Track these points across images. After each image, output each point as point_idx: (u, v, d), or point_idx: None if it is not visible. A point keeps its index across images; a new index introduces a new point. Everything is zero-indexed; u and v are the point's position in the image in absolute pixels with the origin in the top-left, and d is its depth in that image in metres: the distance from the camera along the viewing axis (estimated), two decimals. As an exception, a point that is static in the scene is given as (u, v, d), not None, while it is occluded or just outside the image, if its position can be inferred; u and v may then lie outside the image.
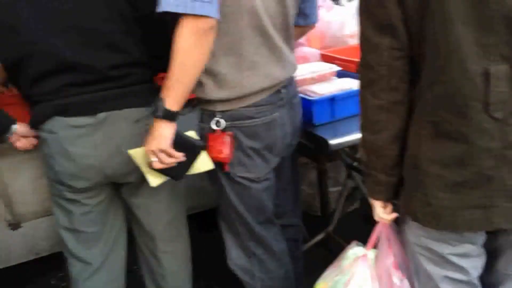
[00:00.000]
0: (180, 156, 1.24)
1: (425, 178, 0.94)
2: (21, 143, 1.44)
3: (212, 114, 1.31)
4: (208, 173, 1.37)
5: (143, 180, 1.43)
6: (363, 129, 1.04)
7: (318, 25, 2.22)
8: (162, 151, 1.20)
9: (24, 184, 1.82)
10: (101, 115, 1.32)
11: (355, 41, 2.11)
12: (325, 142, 1.49)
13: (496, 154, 0.86)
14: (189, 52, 1.10)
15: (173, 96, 1.15)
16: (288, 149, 1.49)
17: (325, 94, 1.60)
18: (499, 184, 0.88)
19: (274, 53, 1.31)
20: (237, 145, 1.33)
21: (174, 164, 1.24)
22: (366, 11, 0.93)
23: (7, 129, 1.40)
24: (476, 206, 0.90)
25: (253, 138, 1.34)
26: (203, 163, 1.32)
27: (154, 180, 1.32)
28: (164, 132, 1.19)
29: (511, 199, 0.89)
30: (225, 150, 1.31)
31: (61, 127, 1.32)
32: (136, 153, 1.31)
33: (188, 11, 1.05)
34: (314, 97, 1.59)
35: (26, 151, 1.73)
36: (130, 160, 1.37)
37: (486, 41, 0.81)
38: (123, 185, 1.49)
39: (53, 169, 1.37)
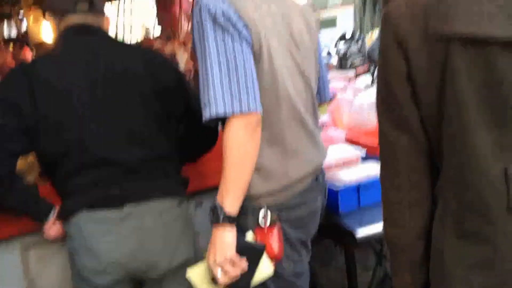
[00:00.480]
0: (244, 264, 1.13)
1: (452, 281, 0.87)
2: (54, 231, 1.45)
3: (258, 209, 1.21)
4: None
5: (164, 277, 1.41)
6: (384, 222, 0.99)
7: (344, 107, 2.26)
8: (228, 260, 1.11)
9: (52, 277, 1.81)
10: (127, 209, 1.34)
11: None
12: (351, 234, 1.44)
13: None
14: (243, 149, 1.10)
15: (232, 198, 1.11)
16: None
17: (350, 182, 1.57)
18: None
19: (310, 138, 1.31)
20: (285, 238, 1.24)
21: (238, 276, 1.13)
22: (384, 108, 0.93)
23: (48, 214, 1.41)
24: None
25: (299, 227, 1.28)
26: (264, 268, 1.18)
27: None
28: (228, 238, 1.12)
29: None
30: (276, 245, 1.20)
31: (87, 222, 1.33)
32: (194, 274, 1.20)
33: (237, 111, 1.08)
34: (339, 185, 1.56)
35: (54, 243, 1.75)
36: (152, 256, 1.35)
37: (505, 141, 0.80)
38: (144, 282, 1.46)
39: (77, 264, 1.37)
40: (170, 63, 1.53)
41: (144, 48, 1.54)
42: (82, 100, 1.33)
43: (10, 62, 2.03)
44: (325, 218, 1.59)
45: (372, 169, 1.64)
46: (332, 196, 1.55)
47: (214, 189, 1.94)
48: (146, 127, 1.38)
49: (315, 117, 1.37)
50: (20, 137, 1.31)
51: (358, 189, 1.55)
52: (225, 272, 1.11)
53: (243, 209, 1.19)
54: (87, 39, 1.40)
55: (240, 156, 1.10)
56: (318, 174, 1.35)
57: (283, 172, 1.23)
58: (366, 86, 2.55)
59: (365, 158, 1.77)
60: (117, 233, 1.33)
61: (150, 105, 1.39)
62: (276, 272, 1.20)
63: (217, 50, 1.09)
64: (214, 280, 1.15)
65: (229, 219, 1.11)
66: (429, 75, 0.83)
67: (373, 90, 2.34)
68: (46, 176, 1.45)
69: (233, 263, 1.12)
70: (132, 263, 1.35)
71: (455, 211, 0.86)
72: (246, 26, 1.12)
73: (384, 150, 0.94)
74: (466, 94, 0.79)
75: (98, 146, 1.33)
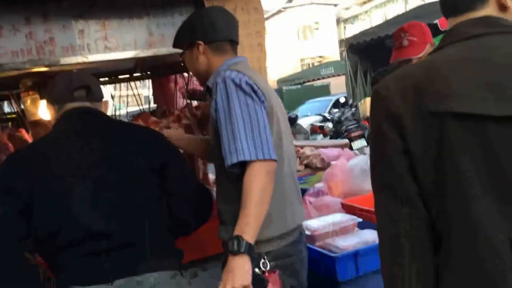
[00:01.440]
0: None
1: None
2: None
3: (258, 256, 1.33)
4: None
5: None
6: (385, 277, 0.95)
7: (339, 174, 2.31)
8: (245, 287, 1.22)
9: None
10: (118, 282, 1.32)
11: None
12: (350, 302, 1.43)
13: None
14: (264, 190, 1.27)
15: (252, 231, 1.24)
16: None
17: (348, 248, 1.58)
18: None
19: (298, 195, 1.50)
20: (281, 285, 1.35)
21: None
22: (381, 184, 0.93)
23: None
24: None
25: (293, 275, 1.39)
26: None
27: None
28: (247, 267, 1.23)
29: None
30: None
31: None
32: None
33: (260, 157, 1.27)
34: (337, 253, 1.57)
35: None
36: None
37: (506, 210, 0.82)
38: None
39: None
40: (167, 141, 1.59)
41: (142, 126, 1.61)
42: (76, 178, 1.37)
43: (5, 140, 2.11)
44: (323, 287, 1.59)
45: (370, 236, 1.66)
46: (329, 264, 1.56)
47: (208, 260, 1.97)
48: (141, 201, 1.41)
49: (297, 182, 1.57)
50: (20, 219, 1.33)
51: (356, 255, 1.55)
52: None
53: None
54: (84, 120, 1.47)
55: (262, 196, 1.27)
56: (302, 229, 1.52)
57: (282, 220, 1.39)
58: (361, 150, 2.62)
59: (362, 226, 1.78)
60: None
61: (146, 180, 1.43)
62: None
63: (241, 109, 1.31)
64: None
65: (250, 249, 1.23)
66: (426, 149, 0.86)
67: (367, 155, 2.41)
68: (38, 251, 1.44)
69: None
70: None
71: (462, 284, 0.86)
72: (263, 94, 1.37)
73: (384, 225, 0.93)
74: (465, 166, 0.83)
75: (90, 220, 1.34)
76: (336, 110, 11.49)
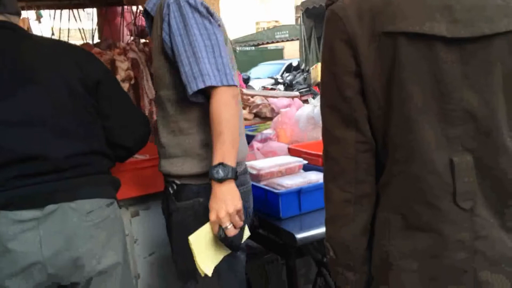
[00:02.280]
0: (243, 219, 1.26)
1: (399, 274, 0.89)
2: None
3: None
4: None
5: (89, 282, 1.33)
6: (328, 224, 0.99)
7: (287, 122, 2.31)
8: (238, 212, 1.23)
9: None
10: (50, 207, 1.25)
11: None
12: (292, 236, 1.44)
13: (467, 246, 0.85)
14: (234, 115, 1.26)
15: (232, 157, 1.24)
16: None
17: (292, 186, 1.59)
18: (471, 277, 0.85)
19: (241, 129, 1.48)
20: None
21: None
22: (330, 105, 0.93)
23: None
24: None
25: (248, 201, 1.43)
26: (246, 230, 1.30)
27: (208, 268, 1.25)
28: (236, 191, 1.24)
29: None
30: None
31: (3, 223, 1.23)
32: (197, 238, 1.24)
33: (225, 83, 1.25)
34: (280, 189, 1.57)
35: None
36: (78, 256, 1.29)
37: (450, 133, 0.84)
38: None
39: None
40: (96, 56, 1.49)
41: (70, 43, 1.49)
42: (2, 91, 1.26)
43: None
44: (266, 224, 1.60)
45: (314, 177, 1.67)
46: (273, 201, 1.56)
47: (149, 199, 1.93)
48: (74, 120, 1.32)
49: None
50: None
51: (299, 194, 1.57)
52: (235, 223, 1.22)
53: (196, 188, 1.35)
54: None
55: (234, 121, 1.25)
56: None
57: (240, 147, 1.35)
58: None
59: (307, 169, 1.80)
60: (37, 233, 1.24)
61: (78, 100, 1.34)
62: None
63: (200, 32, 1.25)
64: (220, 236, 1.22)
65: (236, 173, 1.23)
66: (377, 71, 0.86)
67: (314, 104, 2.42)
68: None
69: (240, 216, 1.23)
70: (55, 265, 1.26)
71: (401, 204, 0.89)
72: (219, 18, 1.34)
73: (329, 149, 0.95)
74: (412, 87, 0.84)
75: (18, 141, 1.25)
76: (288, 74, 11.54)
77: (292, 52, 14.33)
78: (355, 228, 0.95)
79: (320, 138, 2.23)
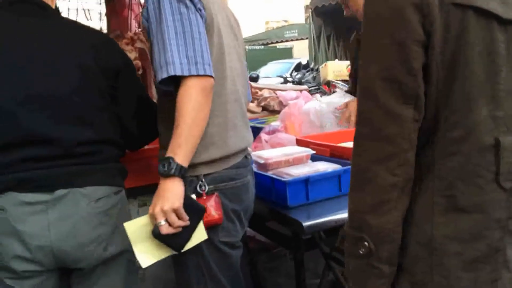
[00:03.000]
0: (187, 220, 1.18)
1: (443, 258, 0.84)
2: None
3: (196, 179, 1.28)
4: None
5: (95, 268, 1.33)
6: (368, 213, 0.86)
7: (295, 114, 2.28)
8: (175, 210, 1.16)
9: None
10: (60, 191, 1.25)
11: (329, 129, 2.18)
12: (299, 224, 1.42)
13: (503, 225, 0.84)
14: (198, 109, 1.16)
15: (184, 153, 1.16)
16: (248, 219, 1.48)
17: (299, 175, 1.57)
18: (503, 256, 0.84)
19: (243, 118, 1.42)
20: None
21: (180, 229, 1.18)
22: (387, 79, 0.83)
23: None
24: (486, 283, 0.84)
25: (235, 200, 1.34)
26: (199, 232, 1.23)
27: (146, 260, 1.21)
28: (178, 190, 1.17)
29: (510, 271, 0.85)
30: (218, 211, 1.27)
31: (12, 203, 1.22)
32: (132, 225, 1.21)
33: (193, 73, 1.15)
34: (288, 178, 1.55)
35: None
36: (85, 242, 1.28)
37: (497, 113, 0.82)
38: (73, 274, 1.36)
39: None
40: (116, 44, 1.48)
41: (94, 29, 1.48)
42: (15, 70, 1.25)
43: None
44: (273, 212, 1.58)
45: (322, 166, 1.65)
46: (281, 189, 1.54)
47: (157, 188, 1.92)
48: (89, 106, 1.31)
49: (246, 103, 1.49)
50: None
51: (306, 182, 1.54)
52: (170, 221, 1.15)
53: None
54: (24, 11, 1.31)
55: (196, 116, 1.16)
56: (247, 153, 1.45)
57: (223, 142, 1.30)
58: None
59: (315, 159, 1.78)
60: (46, 216, 1.24)
61: (96, 86, 1.33)
62: (210, 239, 1.26)
63: (173, 18, 1.17)
64: (153, 232, 1.17)
65: (181, 171, 1.15)
66: (442, 44, 0.81)
67: (324, 99, 2.39)
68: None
69: (178, 215, 1.16)
70: (62, 249, 1.26)
71: (446, 187, 0.85)
72: (200, 2, 1.23)
73: (381, 126, 0.85)
74: (475, 65, 0.80)
75: (33, 122, 1.24)
76: (297, 72, 11.51)
77: (301, 51, 14.29)
78: (398, 215, 0.86)
79: (330, 129, 2.20)
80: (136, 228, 1.20)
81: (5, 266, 1.25)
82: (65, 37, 1.33)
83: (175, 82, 1.19)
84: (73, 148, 1.27)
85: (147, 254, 1.20)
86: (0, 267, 1.26)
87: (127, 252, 1.40)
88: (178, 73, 1.15)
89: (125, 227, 1.20)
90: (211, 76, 1.19)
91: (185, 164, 1.17)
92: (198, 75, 1.16)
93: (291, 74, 11.65)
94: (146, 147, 1.82)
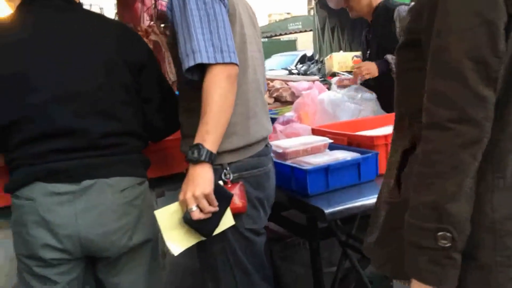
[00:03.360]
0: (216, 206, 1.20)
1: (505, 238, 0.84)
2: None
3: (220, 167, 1.30)
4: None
5: (120, 257, 1.36)
6: (448, 202, 0.81)
7: (310, 103, 2.29)
8: (206, 196, 1.17)
9: None
10: (86, 182, 1.27)
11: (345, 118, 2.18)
12: (321, 211, 1.43)
13: None
14: (225, 96, 1.18)
15: (213, 139, 1.18)
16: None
17: (319, 164, 1.58)
18: None
19: (264, 107, 1.44)
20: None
21: (210, 215, 1.19)
22: (477, 60, 0.79)
23: None
24: None
25: (258, 188, 1.36)
26: (227, 218, 1.25)
27: (177, 247, 1.23)
28: (208, 175, 1.19)
29: None
30: (242, 200, 1.29)
31: (41, 194, 1.25)
32: (163, 213, 1.23)
33: (219, 60, 1.17)
34: (308, 167, 1.56)
35: (2, 228, 1.63)
36: (111, 232, 1.30)
37: None
38: (99, 262, 1.39)
39: (25, 240, 1.28)
40: (141, 38, 1.50)
41: (120, 22, 1.50)
42: (44, 65, 1.27)
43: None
44: (293, 200, 1.59)
45: (340, 155, 1.66)
46: (301, 177, 1.55)
47: (175, 179, 1.93)
48: (113, 98, 1.33)
49: (264, 92, 1.50)
50: None
51: (327, 171, 1.55)
52: (201, 207, 1.17)
53: None
54: (52, 7, 1.34)
55: (223, 103, 1.18)
56: (268, 142, 1.47)
57: (245, 131, 1.33)
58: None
59: (332, 149, 1.79)
60: (74, 206, 1.26)
61: (122, 80, 1.35)
62: (235, 226, 1.28)
63: (198, 7, 1.19)
64: (185, 218, 1.19)
65: (210, 157, 1.17)
66: None
67: (336, 90, 2.39)
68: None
69: (209, 200, 1.17)
70: (88, 239, 1.28)
71: (505, 166, 0.84)
72: None
73: (471, 110, 0.79)
74: None
75: (61, 115, 1.27)
76: (302, 65, 11.48)
77: (305, 43, 14.23)
78: (472, 201, 0.83)
79: (344, 119, 2.21)
80: (166, 216, 1.22)
81: (34, 255, 1.28)
82: (91, 31, 1.35)
83: (200, 71, 1.20)
84: (98, 140, 1.30)
85: (177, 242, 1.22)
86: (29, 256, 1.29)
87: (151, 241, 1.43)
88: (205, 61, 1.16)
89: (155, 215, 1.22)
90: (236, 64, 1.20)
91: (214, 150, 1.18)
92: (224, 63, 1.17)
93: (296, 66, 11.62)
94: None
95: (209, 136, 1.17)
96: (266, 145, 1.44)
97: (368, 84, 2.53)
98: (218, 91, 1.17)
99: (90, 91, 1.29)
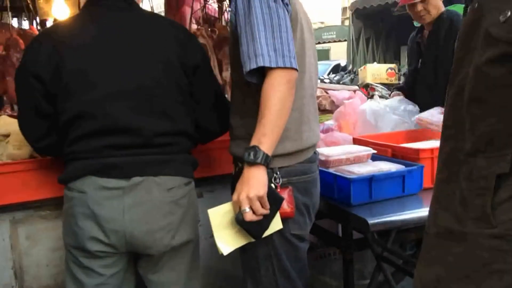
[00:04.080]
0: (268, 208, 1.20)
1: None
2: None
3: (271, 171, 1.29)
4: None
5: (162, 255, 1.37)
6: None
7: (351, 113, 2.28)
8: (259, 198, 1.18)
9: (40, 255, 1.74)
10: (136, 179, 1.30)
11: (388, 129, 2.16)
12: (364, 222, 1.42)
13: None
14: (283, 100, 1.18)
15: (270, 142, 1.18)
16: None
17: (363, 174, 1.57)
18: None
19: (316, 114, 1.45)
20: None
21: (261, 217, 1.20)
22: None
23: None
24: None
25: (306, 194, 1.36)
26: (276, 221, 1.26)
27: (226, 247, 1.24)
28: (263, 178, 1.19)
29: None
30: (290, 205, 1.29)
31: (92, 187, 1.29)
32: (216, 212, 1.24)
33: (280, 65, 1.18)
34: (352, 176, 1.55)
35: (45, 219, 1.68)
36: (156, 230, 1.33)
37: None
38: (141, 258, 1.42)
39: (73, 231, 1.32)
40: (196, 38, 1.53)
41: (176, 23, 1.53)
42: (104, 63, 1.32)
43: (15, 36, 2.01)
44: (335, 209, 1.58)
45: (384, 166, 1.64)
46: (345, 187, 1.54)
47: (214, 181, 1.95)
48: (168, 98, 1.37)
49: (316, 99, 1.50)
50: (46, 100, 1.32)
51: (371, 181, 1.54)
52: (254, 209, 1.17)
53: None
54: (114, 8, 1.38)
55: (281, 107, 1.19)
56: (316, 150, 1.48)
57: (298, 136, 1.33)
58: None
59: (374, 159, 1.77)
60: (122, 201, 1.29)
61: (177, 81, 1.38)
62: (281, 231, 1.28)
63: (262, 11, 1.20)
64: (237, 219, 1.19)
65: (266, 160, 1.17)
66: None
67: (378, 101, 2.37)
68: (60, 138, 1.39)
69: (262, 203, 1.18)
70: (133, 235, 1.31)
71: None
72: None
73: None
74: None
75: (117, 112, 1.30)
76: (334, 74, 11.43)
77: (338, 53, 14.16)
78: None
79: (386, 130, 2.18)
80: (219, 215, 1.23)
81: (81, 246, 1.31)
82: (150, 32, 1.39)
83: (260, 74, 1.21)
84: (152, 138, 1.33)
85: (227, 242, 1.23)
86: (77, 247, 1.33)
87: (192, 242, 1.45)
88: (267, 64, 1.17)
89: (209, 213, 1.24)
90: (296, 69, 1.21)
91: (269, 153, 1.18)
92: (285, 67, 1.18)
93: (328, 76, 11.57)
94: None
95: (266, 139, 1.17)
96: (315, 152, 1.44)
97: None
98: (277, 94, 1.17)
99: (147, 90, 1.33)
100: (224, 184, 1.97)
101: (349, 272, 2.16)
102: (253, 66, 1.18)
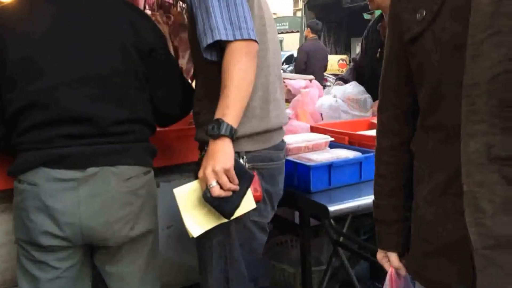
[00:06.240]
0: (237, 183, 1.16)
1: None
2: None
3: (237, 155, 1.23)
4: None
5: (121, 247, 1.33)
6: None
7: (309, 102, 2.30)
8: (226, 171, 1.13)
9: None
10: (91, 169, 1.25)
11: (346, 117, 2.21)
12: (324, 208, 1.44)
13: None
14: (244, 71, 1.15)
15: (233, 113, 1.14)
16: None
17: (322, 161, 1.59)
18: None
19: (282, 94, 1.42)
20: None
21: (230, 193, 1.15)
22: None
23: None
24: None
25: (270, 182, 1.34)
26: (248, 201, 1.21)
27: (195, 229, 1.18)
28: (229, 150, 1.15)
29: None
30: (258, 188, 1.26)
31: (44, 179, 1.22)
32: (182, 191, 1.18)
33: (238, 37, 1.14)
34: (311, 163, 1.57)
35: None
36: (113, 221, 1.28)
37: None
38: (98, 250, 1.37)
39: (25, 225, 1.25)
40: (151, 20, 1.47)
41: (128, 2, 1.46)
42: (53, 49, 1.24)
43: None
44: (295, 197, 1.60)
45: (342, 153, 1.67)
46: (304, 174, 1.55)
47: (171, 171, 1.90)
48: (125, 86, 1.31)
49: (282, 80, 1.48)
50: None
51: (330, 168, 1.56)
52: (221, 183, 1.13)
53: None
54: None
55: (242, 77, 1.15)
56: (283, 137, 1.44)
57: (265, 114, 1.31)
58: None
59: (332, 147, 1.80)
60: (77, 193, 1.23)
61: (131, 62, 1.32)
62: (239, 217, 1.23)
63: None
64: (204, 195, 1.14)
65: (231, 132, 1.13)
66: None
67: (337, 90, 2.41)
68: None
69: (229, 176, 1.14)
70: (90, 227, 1.26)
71: None
72: None
73: None
74: None
75: (71, 101, 1.24)
76: (288, 65, 11.52)
77: (291, 44, 14.29)
78: None
79: (343, 119, 2.22)
80: (185, 195, 1.18)
81: (33, 240, 1.25)
82: (106, 14, 1.32)
83: (219, 51, 1.18)
84: (108, 127, 1.27)
85: (197, 223, 1.18)
86: (29, 241, 1.26)
87: (152, 233, 1.41)
88: (223, 38, 1.14)
89: (175, 193, 1.18)
90: (255, 41, 1.18)
91: (234, 124, 1.15)
92: (243, 39, 1.15)
93: (282, 65, 11.66)
94: (159, 129, 1.81)
95: (229, 110, 1.14)
96: (283, 140, 1.42)
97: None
98: (237, 65, 1.14)
99: (103, 77, 1.26)
100: (181, 173, 1.94)
101: (307, 259, 2.20)
102: (210, 40, 1.15)
